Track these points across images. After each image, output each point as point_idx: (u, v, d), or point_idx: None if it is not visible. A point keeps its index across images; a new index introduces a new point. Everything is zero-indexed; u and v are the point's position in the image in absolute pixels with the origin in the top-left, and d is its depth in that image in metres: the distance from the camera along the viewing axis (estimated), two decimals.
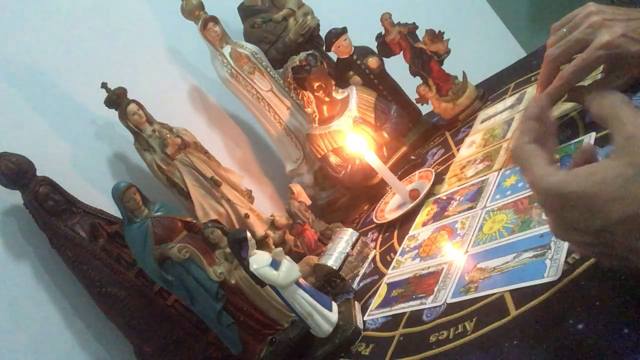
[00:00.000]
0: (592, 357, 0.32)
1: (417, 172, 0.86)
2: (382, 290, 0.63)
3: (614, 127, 0.31)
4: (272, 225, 1.00)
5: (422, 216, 0.73)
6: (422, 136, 1.03)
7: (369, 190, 0.98)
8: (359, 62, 1.05)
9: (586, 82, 0.57)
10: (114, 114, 0.91)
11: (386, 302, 0.60)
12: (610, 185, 0.29)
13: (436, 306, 0.51)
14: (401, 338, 0.52)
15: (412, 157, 0.96)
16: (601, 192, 0.29)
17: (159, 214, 0.74)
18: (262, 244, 0.95)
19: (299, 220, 0.90)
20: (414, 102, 1.03)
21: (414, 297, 0.56)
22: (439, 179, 0.79)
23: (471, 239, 0.56)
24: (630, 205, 0.28)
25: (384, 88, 1.06)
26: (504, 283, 0.45)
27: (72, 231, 0.79)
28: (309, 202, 0.96)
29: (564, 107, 0.62)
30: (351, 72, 1.07)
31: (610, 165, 0.30)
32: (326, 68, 0.98)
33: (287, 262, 0.59)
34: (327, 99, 0.96)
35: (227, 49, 1.05)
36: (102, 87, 0.89)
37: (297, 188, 0.95)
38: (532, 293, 0.41)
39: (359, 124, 0.96)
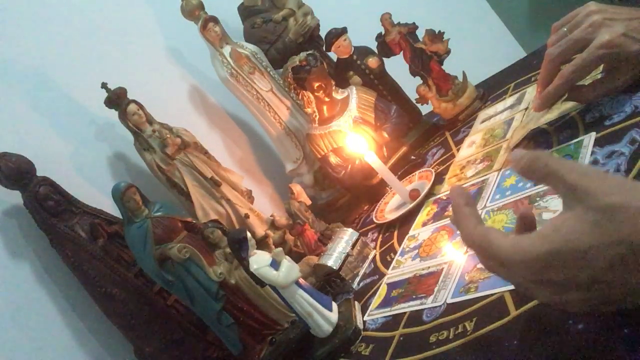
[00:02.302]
0: (592, 357, 0.32)
1: (417, 172, 0.86)
2: (382, 290, 0.63)
3: (554, 182, 0.31)
4: (272, 225, 1.00)
5: (422, 216, 0.73)
6: (422, 136, 1.03)
7: (369, 190, 0.98)
8: (359, 62, 1.05)
9: (586, 82, 0.57)
10: (114, 114, 0.91)
11: (386, 302, 0.60)
12: (580, 235, 0.28)
13: (436, 306, 0.51)
14: (401, 338, 0.52)
15: (412, 157, 0.96)
16: (575, 244, 0.28)
17: (159, 214, 0.74)
18: (262, 244, 0.95)
19: (299, 220, 0.90)
20: (414, 102, 1.03)
21: (414, 297, 0.56)
22: (439, 179, 0.79)
23: None
24: (609, 248, 0.27)
25: (384, 88, 1.06)
26: (504, 283, 0.45)
27: (72, 231, 0.79)
28: (309, 202, 0.96)
29: (564, 106, 0.62)
30: (351, 72, 1.07)
31: (569, 217, 0.29)
32: (326, 68, 0.97)
33: (287, 262, 0.59)
34: (327, 99, 0.96)
35: (227, 49, 1.05)
36: (102, 87, 0.89)
37: (297, 188, 0.95)
38: None
39: (359, 124, 0.96)
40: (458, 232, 0.36)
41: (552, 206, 0.49)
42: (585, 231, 0.28)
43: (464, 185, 0.69)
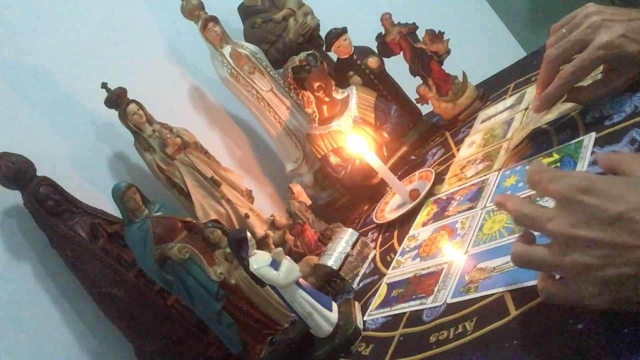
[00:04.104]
0: (592, 357, 0.32)
1: (417, 172, 0.86)
2: (382, 290, 0.63)
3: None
4: (272, 225, 1.00)
5: (422, 216, 0.73)
6: (422, 136, 1.03)
7: (369, 190, 0.98)
8: (359, 62, 1.05)
9: (586, 82, 0.57)
10: (114, 114, 0.91)
11: (386, 302, 0.60)
12: (630, 180, 0.32)
13: (436, 306, 0.51)
14: (401, 338, 0.52)
15: (412, 157, 0.96)
16: (622, 181, 0.32)
17: (159, 214, 0.74)
18: (262, 244, 0.95)
19: (299, 220, 0.90)
20: (414, 102, 1.03)
21: (414, 297, 0.56)
22: (439, 179, 0.79)
23: (471, 239, 0.56)
24: None
25: (384, 88, 1.06)
26: (504, 283, 0.45)
27: (72, 231, 0.79)
28: (309, 202, 0.96)
29: (564, 107, 0.62)
30: (351, 72, 1.07)
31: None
32: (326, 68, 0.97)
33: (287, 262, 0.59)
34: (327, 99, 0.96)
35: (227, 49, 1.05)
36: (102, 87, 0.89)
37: (297, 188, 0.95)
38: (532, 293, 0.40)
39: (359, 124, 0.96)
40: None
41: (552, 206, 0.48)
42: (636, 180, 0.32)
43: (464, 186, 0.70)
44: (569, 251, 0.33)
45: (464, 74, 0.95)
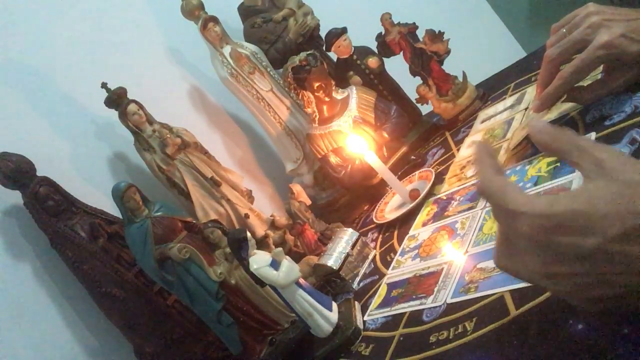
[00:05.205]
0: (592, 357, 0.32)
1: (417, 172, 0.86)
2: (382, 290, 0.63)
3: (579, 156, 0.31)
4: (272, 225, 1.00)
5: (422, 216, 0.73)
6: (422, 136, 1.03)
7: (369, 190, 0.98)
8: (359, 62, 1.05)
9: (586, 82, 0.57)
10: (114, 114, 0.91)
11: (386, 302, 0.60)
12: (600, 201, 0.29)
13: (436, 306, 0.51)
14: (401, 338, 0.52)
15: (412, 157, 0.96)
16: (592, 209, 0.29)
17: (159, 214, 0.74)
18: (262, 244, 0.95)
19: (299, 220, 0.90)
20: (414, 102, 1.03)
21: (414, 297, 0.56)
22: (439, 179, 0.79)
23: (471, 239, 0.56)
24: (627, 218, 0.27)
25: (384, 88, 1.06)
26: (504, 283, 0.45)
27: (72, 231, 0.79)
28: (309, 202, 0.96)
29: (564, 107, 0.62)
30: (351, 72, 1.07)
31: (591, 186, 0.30)
32: (326, 68, 0.98)
33: (287, 262, 0.59)
34: (327, 99, 0.96)
35: (227, 49, 1.05)
36: (102, 87, 0.89)
37: (297, 188, 0.95)
38: (532, 293, 0.41)
39: (359, 124, 0.96)
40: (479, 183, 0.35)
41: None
42: (607, 199, 0.28)
43: (464, 186, 0.70)
44: (551, 282, 0.32)
45: (464, 74, 0.95)
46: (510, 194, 0.32)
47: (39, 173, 0.82)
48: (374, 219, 0.84)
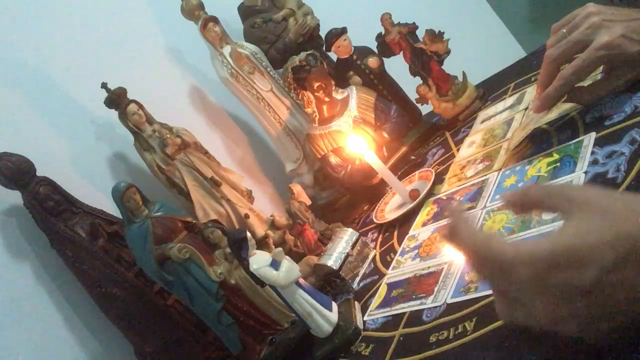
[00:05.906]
0: (592, 357, 0.32)
1: (417, 172, 0.86)
2: (382, 290, 0.63)
3: (553, 201, 0.33)
4: (272, 225, 1.00)
5: (422, 216, 0.73)
6: (422, 136, 1.03)
7: (369, 190, 0.98)
8: (359, 62, 1.05)
9: (586, 82, 0.57)
10: (114, 114, 0.91)
11: (386, 302, 0.60)
12: (586, 234, 0.29)
13: (436, 306, 0.51)
14: (401, 338, 0.52)
15: (412, 157, 0.96)
16: (581, 242, 0.29)
17: (159, 214, 0.74)
18: (262, 244, 0.95)
19: (299, 220, 0.90)
20: (414, 102, 1.03)
21: (414, 297, 0.56)
22: (439, 179, 0.79)
23: None
24: (618, 243, 0.27)
25: (384, 88, 1.06)
26: None
27: (72, 231, 0.79)
28: (309, 202, 0.96)
29: (564, 107, 0.62)
30: (351, 72, 1.07)
31: (574, 223, 0.30)
32: (326, 68, 0.98)
33: (287, 262, 0.59)
34: (327, 99, 0.96)
35: (227, 49, 1.05)
36: (102, 87, 0.89)
37: (297, 188, 0.95)
38: None
39: (359, 124, 0.96)
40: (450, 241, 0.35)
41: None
42: (592, 230, 0.29)
43: (464, 186, 0.70)
44: (560, 324, 0.31)
45: (464, 74, 0.95)
46: (496, 246, 0.32)
47: (39, 173, 0.82)
48: (374, 219, 0.84)
